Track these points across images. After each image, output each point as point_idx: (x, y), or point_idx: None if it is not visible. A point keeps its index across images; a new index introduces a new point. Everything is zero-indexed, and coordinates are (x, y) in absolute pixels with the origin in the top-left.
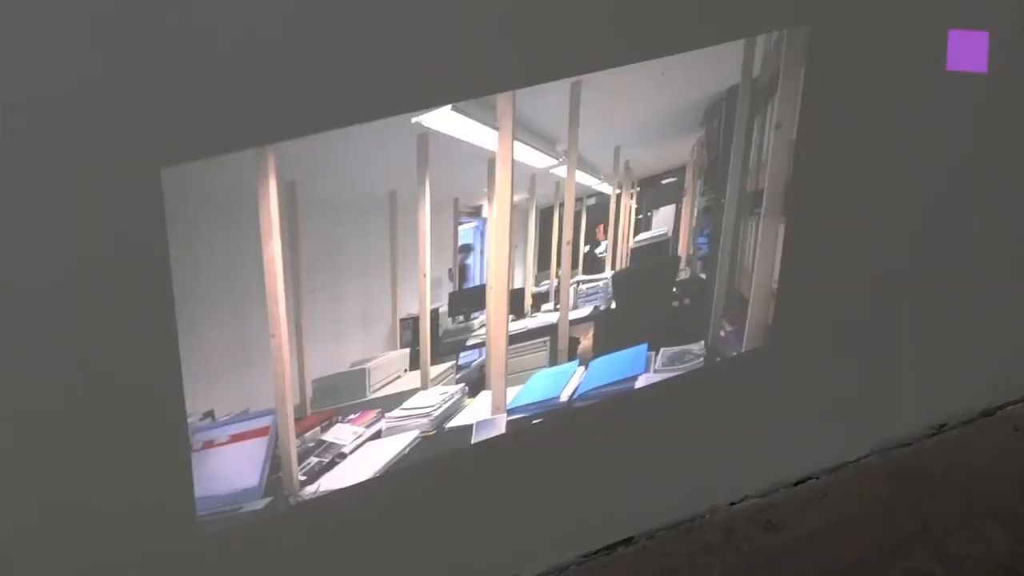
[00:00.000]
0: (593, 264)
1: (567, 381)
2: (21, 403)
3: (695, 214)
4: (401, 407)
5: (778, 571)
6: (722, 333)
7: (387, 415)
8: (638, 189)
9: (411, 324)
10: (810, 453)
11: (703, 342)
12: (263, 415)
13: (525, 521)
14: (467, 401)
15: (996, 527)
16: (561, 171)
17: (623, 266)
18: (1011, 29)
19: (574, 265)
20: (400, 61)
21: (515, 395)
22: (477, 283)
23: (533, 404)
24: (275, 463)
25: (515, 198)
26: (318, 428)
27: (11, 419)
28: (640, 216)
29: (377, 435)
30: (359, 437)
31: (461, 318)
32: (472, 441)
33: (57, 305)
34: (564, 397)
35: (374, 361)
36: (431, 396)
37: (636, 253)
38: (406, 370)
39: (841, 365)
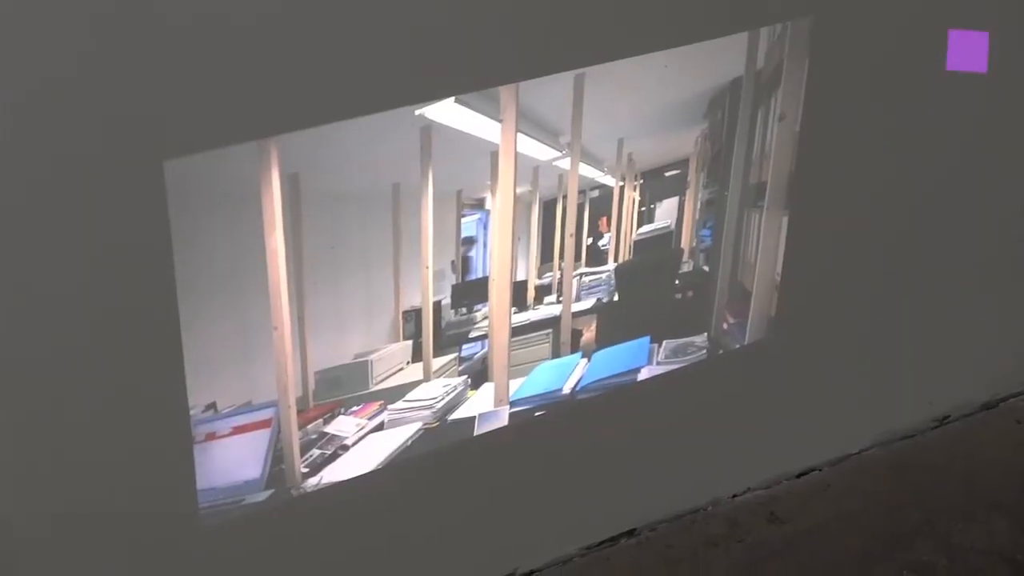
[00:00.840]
0: (596, 256)
1: (570, 373)
2: (24, 396)
3: (698, 207)
4: (404, 399)
5: (781, 563)
6: (725, 326)
7: (390, 407)
8: (641, 181)
9: (414, 316)
10: (813, 445)
11: (706, 334)
12: (265, 407)
13: (528, 513)
14: (470, 393)
15: (999, 519)
16: (564, 163)
17: (626, 258)
18: (1011, 29)
19: (577, 257)
20: (403, 53)
21: (518, 387)
22: (480, 275)
23: (536, 396)
24: (277, 455)
25: (518, 190)
26: (320, 420)
27: (15, 412)
28: (643, 208)
29: (380, 427)
30: (362, 429)
31: (464, 310)
32: (475, 433)
33: (60, 298)
34: (567, 389)
35: (377, 353)
36: (434, 388)
37: (639, 245)
38: (409, 362)
39: (844, 357)
